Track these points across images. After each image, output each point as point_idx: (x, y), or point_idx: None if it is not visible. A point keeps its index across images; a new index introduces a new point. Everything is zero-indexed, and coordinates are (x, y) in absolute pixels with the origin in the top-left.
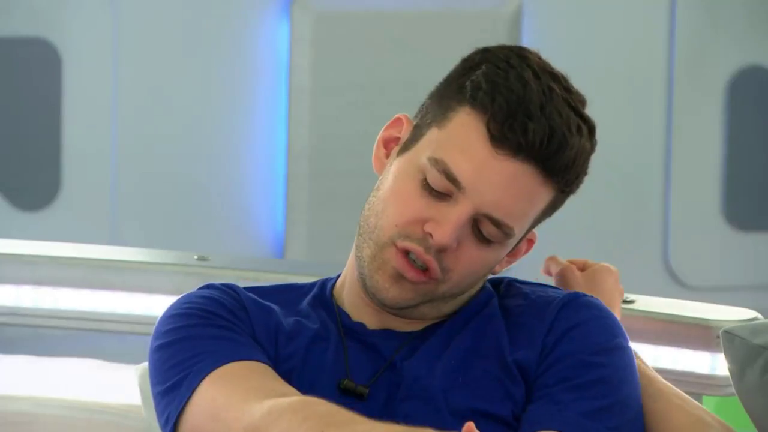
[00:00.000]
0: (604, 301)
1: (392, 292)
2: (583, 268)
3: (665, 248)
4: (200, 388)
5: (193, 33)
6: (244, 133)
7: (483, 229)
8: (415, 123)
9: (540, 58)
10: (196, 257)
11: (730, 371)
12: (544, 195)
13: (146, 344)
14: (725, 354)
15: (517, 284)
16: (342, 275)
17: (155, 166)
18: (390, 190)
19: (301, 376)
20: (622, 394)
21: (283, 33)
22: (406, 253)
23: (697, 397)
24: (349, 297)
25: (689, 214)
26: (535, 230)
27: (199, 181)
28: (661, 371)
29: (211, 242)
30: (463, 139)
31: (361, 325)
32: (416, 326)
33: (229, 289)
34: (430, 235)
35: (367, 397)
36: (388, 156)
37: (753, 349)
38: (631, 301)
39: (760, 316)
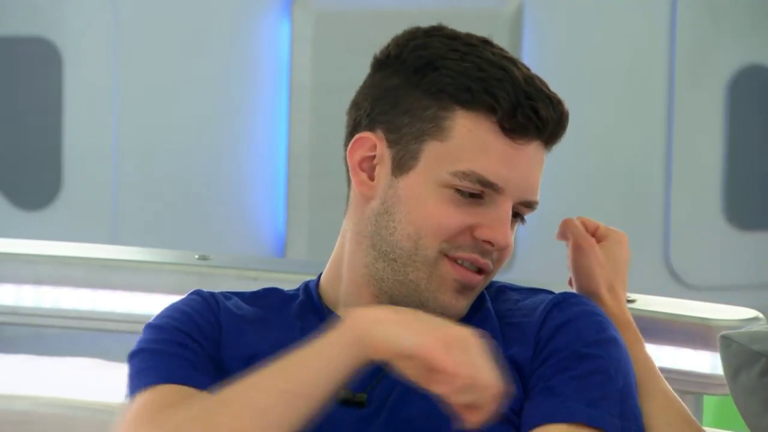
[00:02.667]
0: (620, 276)
1: (460, 305)
2: (594, 232)
3: (666, 247)
4: (136, 398)
5: (193, 32)
6: (244, 133)
7: (516, 211)
8: (388, 138)
9: (455, 31)
10: (196, 257)
11: (725, 372)
12: (544, 160)
13: None
14: (721, 357)
15: (508, 290)
16: (330, 278)
17: (156, 165)
18: (417, 211)
19: None
20: (620, 383)
21: (284, 32)
22: (457, 261)
23: (698, 397)
24: (348, 299)
25: (690, 214)
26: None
27: (200, 180)
28: (662, 371)
29: (212, 242)
30: (481, 144)
31: None
32: None
33: (213, 300)
34: (489, 242)
35: (366, 403)
36: (372, 178)
37: (751, 355)
38: (632, 301)
39: (761, 315)
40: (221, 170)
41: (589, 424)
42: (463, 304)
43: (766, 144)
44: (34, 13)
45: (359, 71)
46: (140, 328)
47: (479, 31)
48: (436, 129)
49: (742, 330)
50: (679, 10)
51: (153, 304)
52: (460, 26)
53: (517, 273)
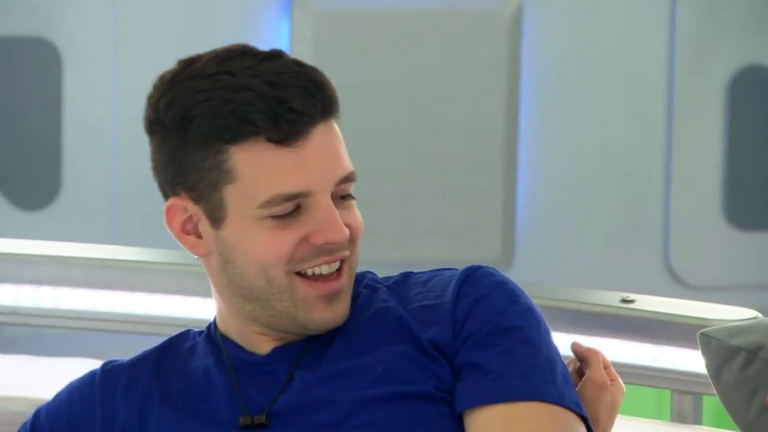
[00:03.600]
0: (611, 424)
1: (338, 314)
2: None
3: (666, 247)
4: None
5: (193, 32)
6: None
7: (341, 192)
8: (192, 197)
9: (195, 62)
10: (196, 257)
11: (708, 371)
12: (334, 129)
13: (146, 344)
14: (703, 355)
15: (413, 274)
16: (220, 321)
17: None
18: (251, 251)
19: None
20: (547, 350)
21: (284, 32)
22: (312, 274)
23: (697, 397)
24: (240, 336)
25: (690, 214)
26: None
27: None
28: (662, 371)
29: None
30: (266, 168)
31: (253, 355)
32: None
33: (103, 381)
34: (330, 243)
35: (270, 423)
36: (200, 236)
37: (730, 350)
38: (631, 301)
39: (760, 315)
40: None
41: (526, 399)
42: (341, 310)
43: (766, 144)
44: (34, 13)
45: (359, 72)
46: (140, 328)
47: (478, 31)
48: (222, 174)
49: (720, 327)
50: (679, 10)
51: (152, 305)
52: (460, 26)
53: (516, 273)
